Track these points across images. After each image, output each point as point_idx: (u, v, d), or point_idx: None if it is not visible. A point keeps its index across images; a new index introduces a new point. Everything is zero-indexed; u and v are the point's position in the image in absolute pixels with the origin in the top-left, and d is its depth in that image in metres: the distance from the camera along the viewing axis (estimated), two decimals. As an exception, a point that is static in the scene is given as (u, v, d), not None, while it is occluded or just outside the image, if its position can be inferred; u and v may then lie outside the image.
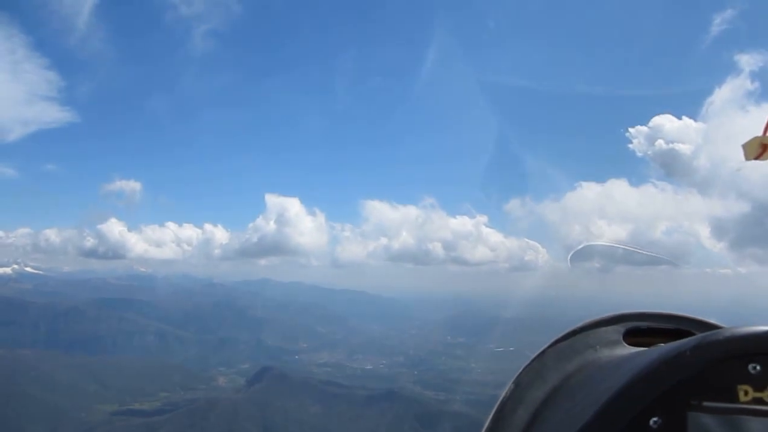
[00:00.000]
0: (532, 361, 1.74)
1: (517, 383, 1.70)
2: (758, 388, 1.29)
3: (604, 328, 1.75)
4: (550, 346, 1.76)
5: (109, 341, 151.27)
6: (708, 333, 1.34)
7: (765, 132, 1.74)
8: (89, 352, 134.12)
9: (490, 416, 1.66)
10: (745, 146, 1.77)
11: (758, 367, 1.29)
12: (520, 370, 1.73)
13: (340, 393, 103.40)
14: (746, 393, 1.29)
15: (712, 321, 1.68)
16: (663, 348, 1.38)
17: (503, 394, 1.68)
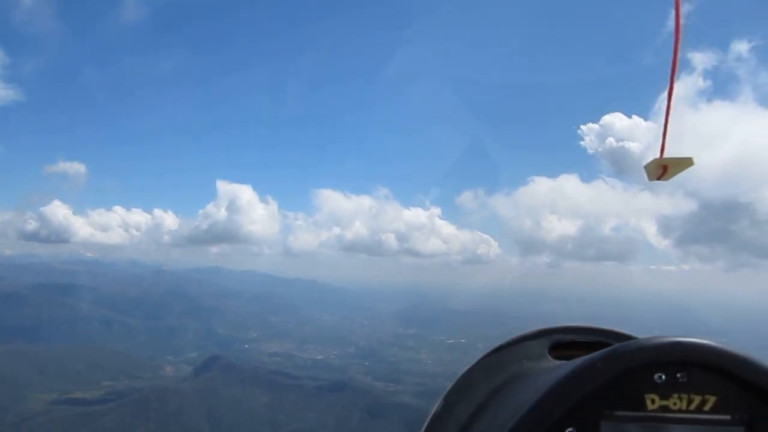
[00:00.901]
0: (461, 377, 1.78)
1: (446, 399, 1.74)
2: (664, 397, 1.40)
3: (529, 342, 1.82)
4: (478, 362, 1.80)
5: (52, 328, 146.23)
6: (618, 345, 1.43)
7: (661, 153, 1.82)
8: (30, 339, 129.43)
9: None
10: (646, 167, 1.87)
11: (663, 377, 1.40)
12: (450, 386, 1.76)
13: (289, 383, 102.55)
14: (653, 401, 1.40)
15: (630, 333, 1.77)
16: (578, 360, 1.45)
17: (432, 410, 1.73)
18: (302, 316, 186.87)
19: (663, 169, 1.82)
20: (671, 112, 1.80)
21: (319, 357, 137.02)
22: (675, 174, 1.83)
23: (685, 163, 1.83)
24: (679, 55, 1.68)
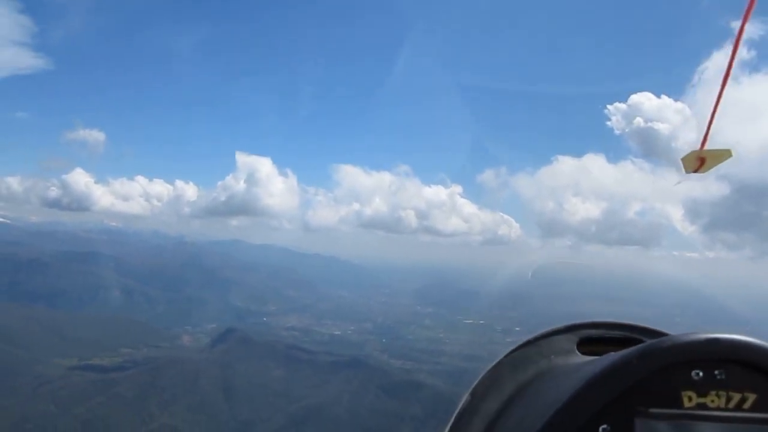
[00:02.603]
0: (488, 371, 1.76)
1: (473, 394, 1.72)
2: (701, 394, 1.35)
3: (557, 337, 1.79)
4: (505, 356, 1.78)
5: (73, 295, 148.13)
6: (653, 341, 1.39)
7: (702, 146, 1.80)
8: (51, 305, 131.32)
9: (447, 427, 1.68)
10: (684, 160, 1.85)
11: (701, 373, 1.35)
12: (476, 381, 1.75)
13: (304, 358, 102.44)
14: (690, 399, 1.35)
15: (661, 329, 1.74)
16: (611, 356, 1.42)
17: (459, 405, 1.70)
18: (320, 291, 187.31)
19: (701, 161, 1.81)
20: (720, 102, 1.77)
21: (336, 332, 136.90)
22: (712, 167, 1.82)
23: (724, 155, 1.79)
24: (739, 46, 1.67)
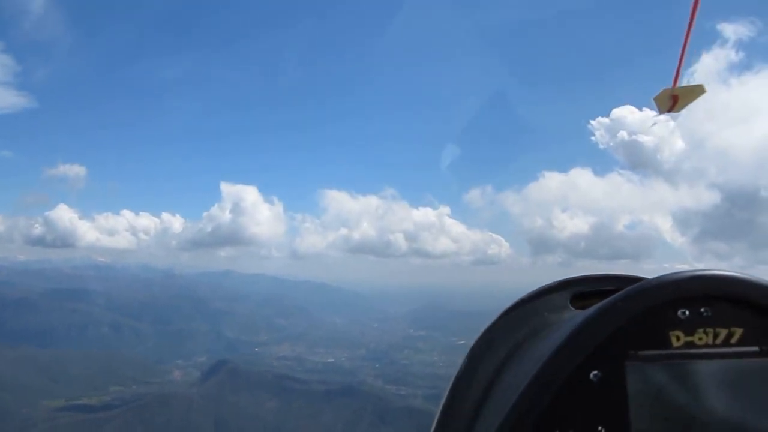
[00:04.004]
0: (483, 333, 1.77)
1: (470, 357, 1.73)
2: (688, 333, 1.37)
3: (551, 295, 1.79)
4: (499, 318, 1.79)
5: (62, 333, 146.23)
6: (638, 284, 1.41)
7: (674, 84, 1.78)
8: (39, 344, 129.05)
9: (446, 393, 1.71)
10: (657, 100, 1.83)
11: (687, 312, 1.37)
12: (473, 344, 1.75)
13: (297, 388, 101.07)
14: (678, 338, 1.37)
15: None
16: (598, 304, 1.43)
17: (457, 370, 1.72)
18: (312, 318, 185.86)
19: (674, 99, 1.79)
20: (688, 41, 1.74)
21: (330, 360, 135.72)
22: (686, 104, 1.80)
23: (697, 91, 1.78)
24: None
